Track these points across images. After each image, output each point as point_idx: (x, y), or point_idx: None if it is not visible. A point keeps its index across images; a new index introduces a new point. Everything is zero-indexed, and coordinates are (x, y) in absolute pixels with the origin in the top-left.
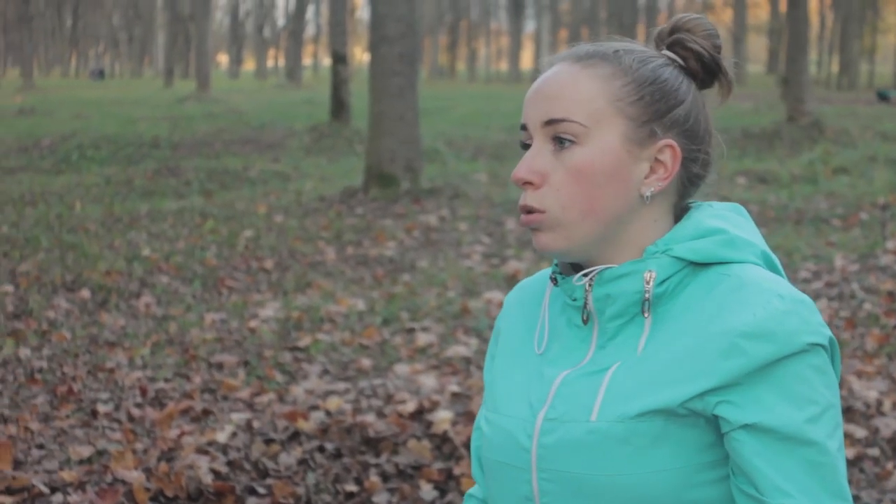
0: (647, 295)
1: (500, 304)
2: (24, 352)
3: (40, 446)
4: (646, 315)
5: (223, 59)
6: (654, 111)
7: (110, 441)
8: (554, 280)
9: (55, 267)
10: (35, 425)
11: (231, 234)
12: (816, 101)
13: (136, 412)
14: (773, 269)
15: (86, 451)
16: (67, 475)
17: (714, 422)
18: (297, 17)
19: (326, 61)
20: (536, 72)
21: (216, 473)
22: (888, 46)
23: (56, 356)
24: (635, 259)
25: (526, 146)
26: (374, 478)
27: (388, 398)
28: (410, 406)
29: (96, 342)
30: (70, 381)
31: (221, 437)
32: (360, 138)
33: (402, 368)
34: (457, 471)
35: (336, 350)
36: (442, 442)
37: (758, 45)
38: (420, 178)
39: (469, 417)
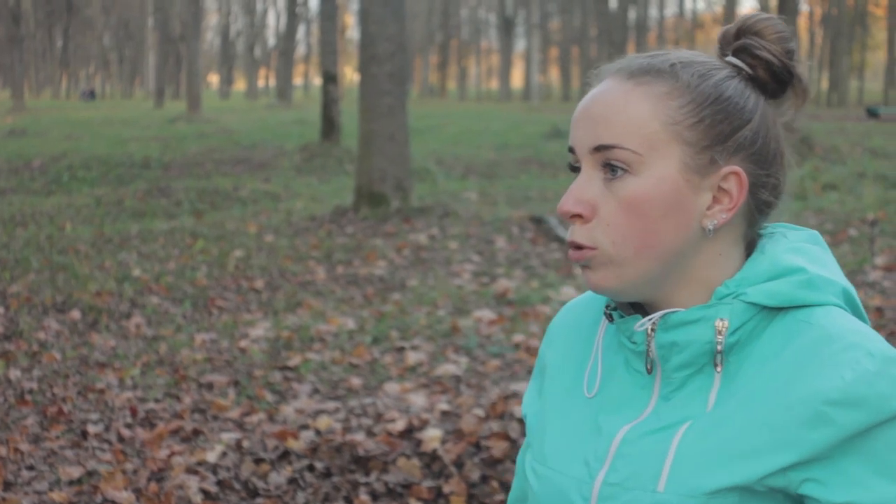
0: (719, 347)
1: (490, 323)
2: (15, 373)
3: (30, 467)
4: (718, 369)
5: (214, 79)
6: (716, 134)
7: (100, 462)
8: (609, 316)
9: (45, 288)
10: (25, 446)
11: (221, 254)
12: (806, 117)
13: (126, 433)
14: (854, 308)
15: (76, 472)
16: (58, 496)
17: (796, 500)
18: (287, 37)
19: (317, 81)
20: (586, 86)
21: (206, 493)
22: (878, 63)
23: (46, 377)
24: (702, 300)
25: (574, 169)
26: (363, 496)
27: (378, 417)
28: (400, 424)
29: (86, 363)
30: (60, 402)
31: (211, 456)
32: (350, 158)
33: (391, 387)
34: (446, 489)
35: (326, 369)
36: (431, 460)
37: None
38: (410, 197)
39: (458, 435)
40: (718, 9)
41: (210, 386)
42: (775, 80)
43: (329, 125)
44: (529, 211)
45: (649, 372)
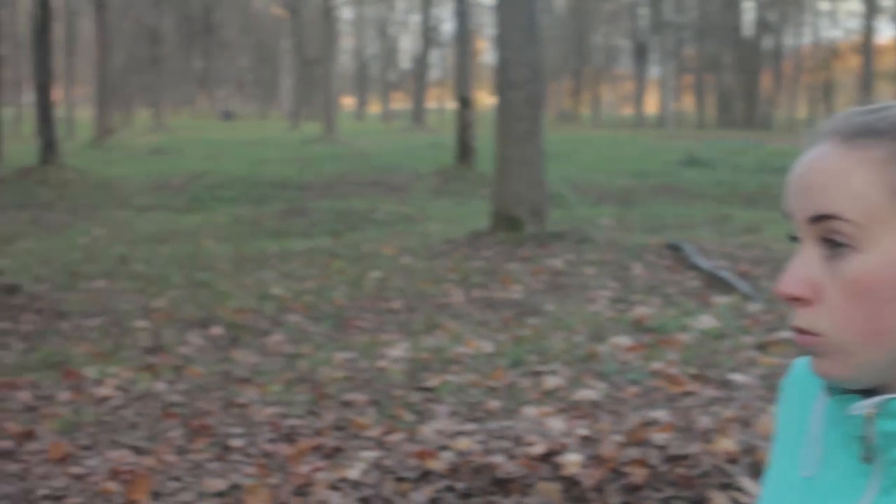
0: None
1: (628, 349)
2: (160, 386)
3: (176, 478)
4: None
5: (347, 101)
6: None
7: (244, 475)
8: (829, 389)
9: (187, 304)
10: (171, 458)
11: (359, 274)
12: None
13: (268, 447)
14: None
15: (220, 485)
16: None
17: None
18: (421, 62)
19: (450, 105)
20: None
21: None
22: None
23: (190, 391)
24: None
25: (794, 238)
26: None
27: (517, 440)
28: (539, 448)
29: (229, 378)
30: (204, 416)
31: (353, 473)
32: (484, 181)
33: (530, 411)
34: None
35: (464, 391)
36: (571, 485)
37: (887, 94)
38: (545, 222)
39: (598, 461)
40: (855, 37)
41: (350, 404)
42: None
43: (464, 149)
44: (666, 238)
45: (866, 461)
